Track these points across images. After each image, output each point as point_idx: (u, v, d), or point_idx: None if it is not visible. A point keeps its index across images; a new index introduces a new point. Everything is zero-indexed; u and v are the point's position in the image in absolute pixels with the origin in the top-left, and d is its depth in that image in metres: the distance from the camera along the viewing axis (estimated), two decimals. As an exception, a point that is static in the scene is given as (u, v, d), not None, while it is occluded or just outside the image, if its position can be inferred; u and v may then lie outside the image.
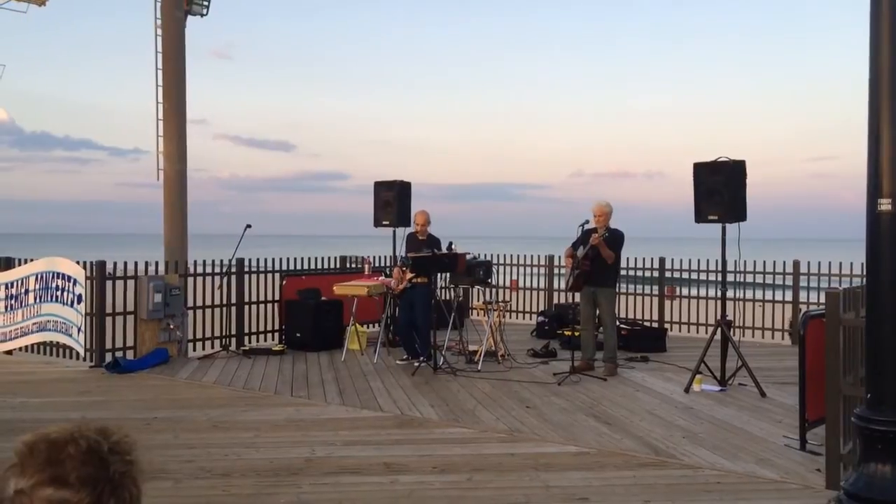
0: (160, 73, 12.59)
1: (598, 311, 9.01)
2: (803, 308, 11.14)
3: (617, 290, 9.68)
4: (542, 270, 13.79)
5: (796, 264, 11.70)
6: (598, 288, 8.78)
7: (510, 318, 12.79)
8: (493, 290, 11.64)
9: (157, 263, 10.61)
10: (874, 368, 3.85)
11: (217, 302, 10.46)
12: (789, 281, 11.95)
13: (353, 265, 12.55)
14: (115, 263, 10.28)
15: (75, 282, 9.49)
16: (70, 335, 9.53)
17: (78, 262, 9.60)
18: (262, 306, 11.12)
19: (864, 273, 4.39)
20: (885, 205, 3.74)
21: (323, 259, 12.00)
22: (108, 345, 9.44)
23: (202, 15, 12.73)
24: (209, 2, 12.66)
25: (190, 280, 10.43)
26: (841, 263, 11.47)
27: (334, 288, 10.25)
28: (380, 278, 10.60)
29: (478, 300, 11.74)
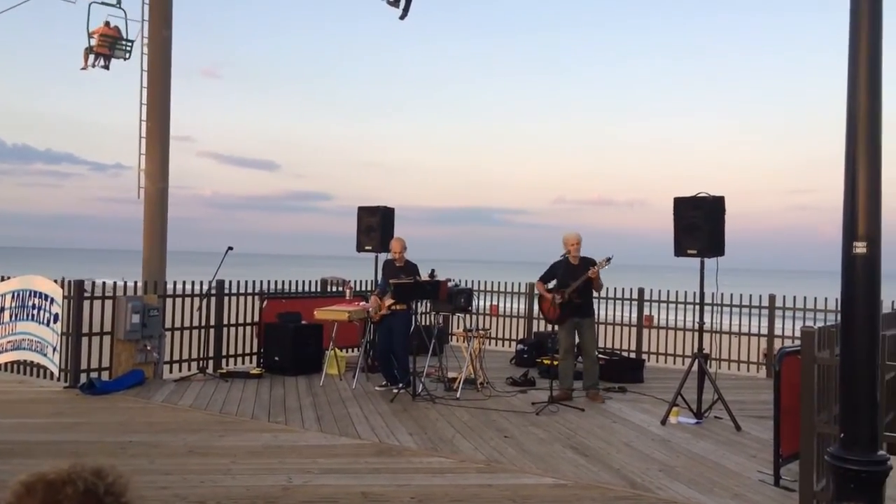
0: (145, 91, 12.58)
1: (577, 341, 9.15)
2: (778, 341, 11.28)
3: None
4: (523, 298, 13.84)
5: (772, 298, 11.83)
6: (583, 318, 9.02)
7: (490, 344, 12.81)
8: (474, 318, 11.67)
9: (135, 283, 10.54)
10: (848, 408, 3.91)
11: (195, 323, 10.39)
12: (765, 314, 12.08)
13: (335, 287, 12.53)
14: (93, 283, 10.19)
15: (52, 300, 9.40)
16: (45, 354, 9.43)
17: (56, 281, 9.51)
18: (240, 329, 11.06)
19: (838, 310, 4.47)
20: (860, 248, 3.82)
21: (304, 282, 11.97)
22: (84, 365, 9.34)
23: (125, 59, 12.79)
24: (131, 46, 12.77)
25: (168, 301, 10.36)
26: (815, 298, 11.62)
27: (315, 312, 10.22)
28: (361, 303, 10.60)
29: (458, 327, 11.77)
